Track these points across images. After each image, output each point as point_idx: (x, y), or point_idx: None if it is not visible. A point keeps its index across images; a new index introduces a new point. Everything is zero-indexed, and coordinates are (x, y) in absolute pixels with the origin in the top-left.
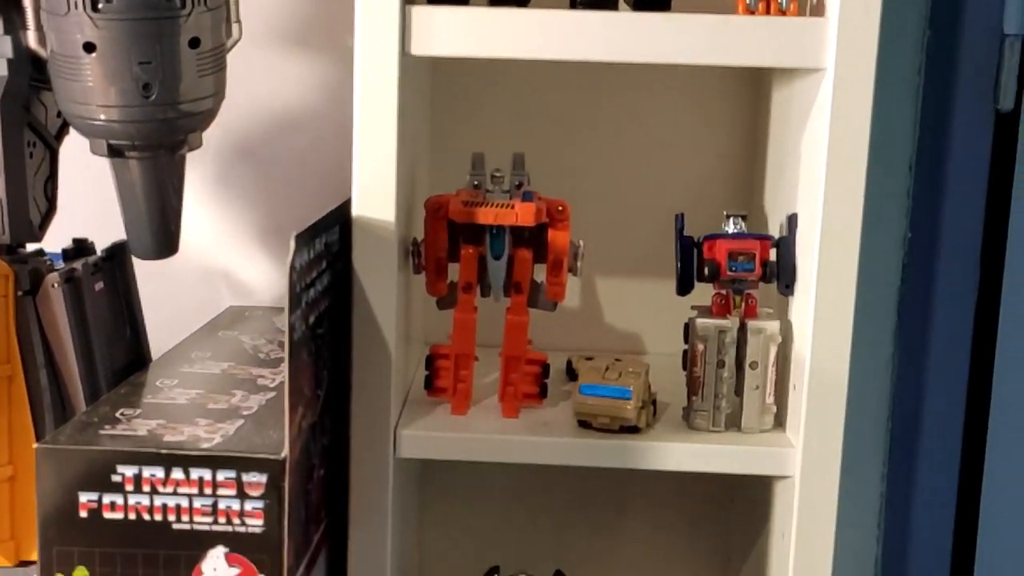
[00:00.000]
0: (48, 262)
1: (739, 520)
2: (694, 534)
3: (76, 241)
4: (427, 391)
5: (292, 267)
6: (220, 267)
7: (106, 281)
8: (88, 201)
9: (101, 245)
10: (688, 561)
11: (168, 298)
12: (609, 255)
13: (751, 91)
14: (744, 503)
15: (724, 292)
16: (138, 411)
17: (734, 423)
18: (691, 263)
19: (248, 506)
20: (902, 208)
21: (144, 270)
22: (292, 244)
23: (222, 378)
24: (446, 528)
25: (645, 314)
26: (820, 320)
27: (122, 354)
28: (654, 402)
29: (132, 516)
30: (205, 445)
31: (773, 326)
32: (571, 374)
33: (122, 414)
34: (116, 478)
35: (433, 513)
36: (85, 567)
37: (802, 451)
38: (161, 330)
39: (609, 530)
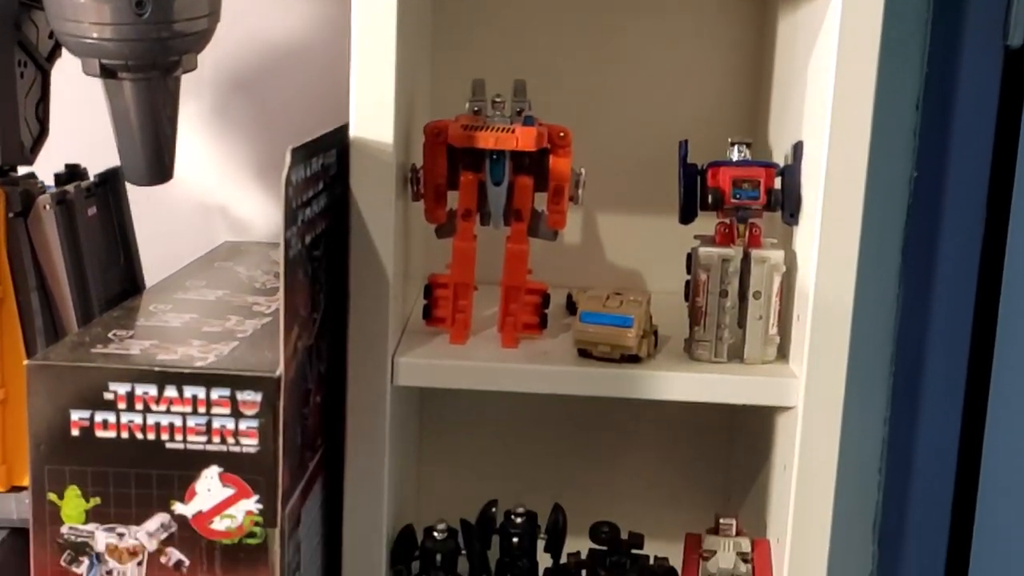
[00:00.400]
0: (40, 185)
1: (740, 453)
2: (694, 468)
3: (68, 167)
4: (425, 321)
5: (288, 181)
6: (217, 202)
7: (99, 207)
8: (81, 130)
9: (95, 173)
10: (688, 494)
11: (164, 233)
12: (611, 187)
13: (757, 16)
14: (745, 436)
15: (728, 221)
16: (131, 332)
17: (736, 354)
18: (694, 191)
19: (243, 425)
20: (908, 147)
21: (139, 206)
22: (288, 157)
23: (217, 304)
24: (444, 462)
25: (647, 250)
26: (825, 249)
27: (116, 282)
28: (655, 333)
29: (125, 435)
30: (199, 363)
31: (777, 255)
32: (571, 309)
33: (115, 335)
34: (108, 396)
35: (431, 446)
36: (77, 486)
37: (805, 381)
38: (156, 265)
39: (608, 464)
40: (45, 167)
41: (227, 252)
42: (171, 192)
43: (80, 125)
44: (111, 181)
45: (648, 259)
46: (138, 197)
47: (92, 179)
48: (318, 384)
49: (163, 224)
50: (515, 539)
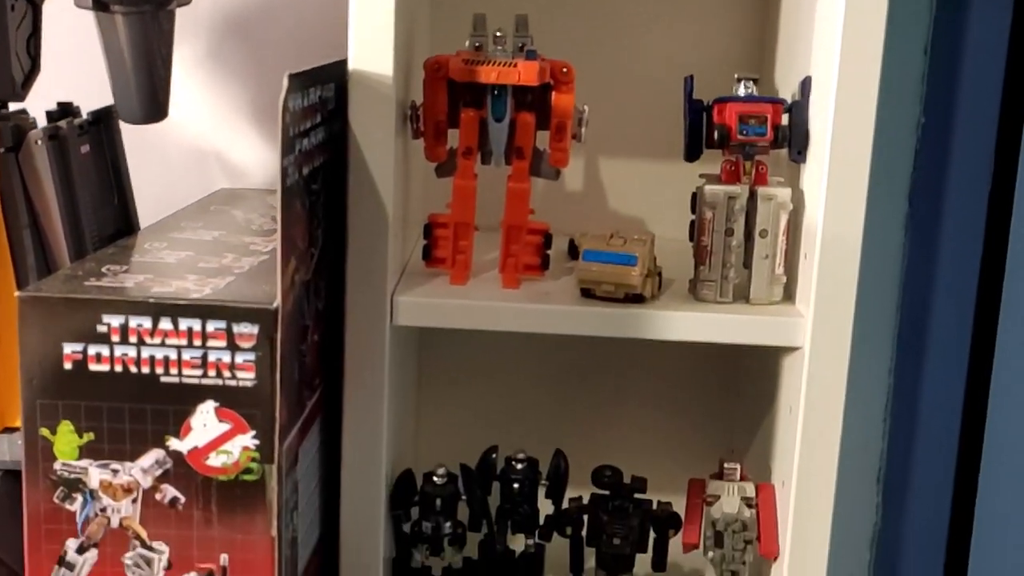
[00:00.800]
0: (31, 120)
1: (745, 398)
2: (699, 413)
3: (61, 104)
4: (425, 262)
5: (285, 106)
6: (212, 148)
7: (92, 145)
8: (75, 71)
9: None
10: (692, 439)
11: (159, 180)
12: (615, 129)
13: None
14: (751, 380)
15: (734, 159)
16: (125, 267)
17: (742, 295)
18: (700, 128)
19: (239, 359)
20: (916, 93)
21: (134, 153)
22: (285, 82)
23: (213, 244)
24: (443, 408)
25: (651, 197)
26: (834, 185)
27: (110, 221)
28: (659, 275)
29: (119, 368)
30: (194, 295)
31: (784, 193)
32: (573, 254)
33: (108, 269)
34: (102, 328)
35: (430, 392)
36: (70, 421)
37: (812, 320)
38: (151, 212)
39: (611, 410)
40: (37, 106)
41: (224, 198)
42: (166, 138)
43: (73, 65)
44: (104, 120)
45: (652, 206)
46: (132, 143)
47: (85, 117)
48: (316, 322)
49: (158, 170)
50: (516, 485)
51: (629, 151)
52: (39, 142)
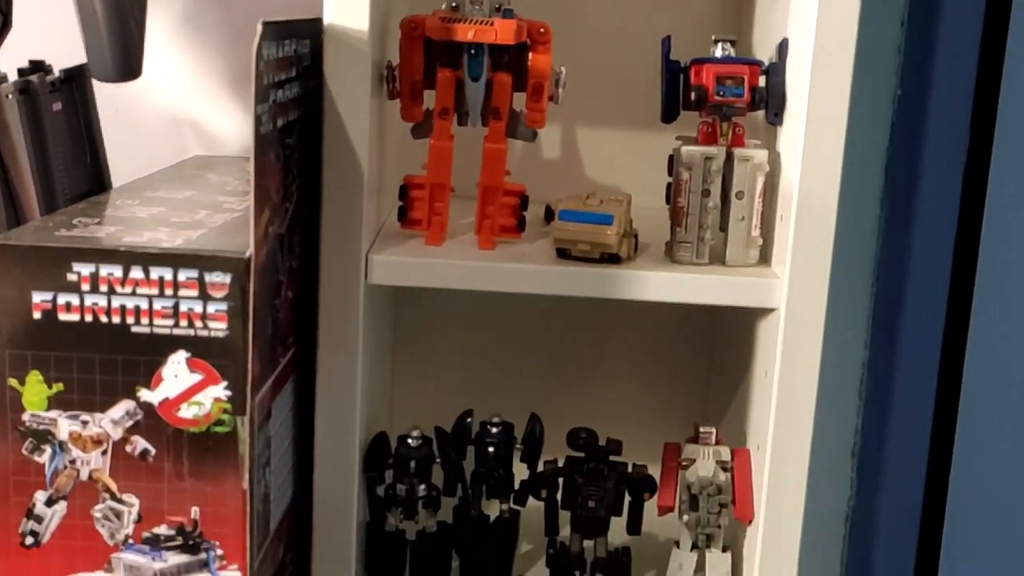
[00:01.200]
0: (2, 75)
1: (721, 362)
2: (674, 378)
3: (33, 62)
4: (400, 223)
5: (259, 54)
6: (187, 115)
7: (65, 103)
8: (47, 31)
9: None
10: (669, 405)
11: (133, 147)
12: (591, 93)
13: None
14: (726, 344)
15: (711, 120)
16: (97, 220)
17: (718, 258)
18: (677, 89)
19: (211, 308)
20: (892, 65)
21: (108, 121)
22: (259, 28)
23: (186, 201)
24: (419, 372)
25: (628, 164)
26: (810, 146)
27: (82, 180)
28: (636, 237)
29: (88, 318)
30: (166, 245)
31: (761, 155)
32: (550, 220)
33: (79, 221)
34: (72, 277)
35: (406, 356)
36: (39, 371)
37: (788, 281)
38: (124, 177)
39: (587, 374)
40: (10, 63)
41: (198, 163)
42: (140, 103)
43: (46, 24)
44: (77, 78)
45: (629, 173)
46: (106, 110)
47: (57, 74)
48: (290, 279)
49: (132, 137)
50: (491, 449)
51: (606, 117)
52: (10, 96)
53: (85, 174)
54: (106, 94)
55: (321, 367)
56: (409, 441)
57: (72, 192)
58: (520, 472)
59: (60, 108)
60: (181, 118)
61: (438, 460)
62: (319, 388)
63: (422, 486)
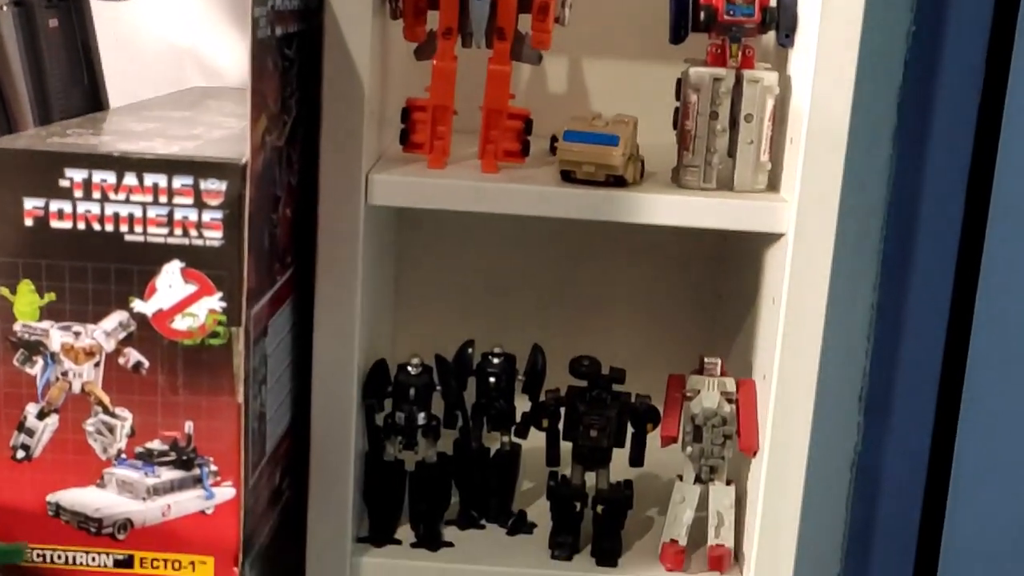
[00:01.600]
0: None
1: (728, 289)
2: (680, 308)
3: None
4: (403, 147)
5: None
6: (187, 45)
7: (61, 21)
8: None
9: None
10: (674, 334)
11: (131, 77)
12: (598, 19)
13: None
14: (734, 274)
15: (720, 42)
16: (91, 131)
17: (726, 185)
18: (686, 9)
19: (206, 217)
20: (907, 1)
21: (106, 50)
22: None
23: (183, 120)
24: (420, 302)
25: (636, 95)
26: (821, 69)
27: (78, 100)
28: (642, 162)
29: (81, 225)
30: (161, 151)
31: (771, 77)
32: (555, 151)
33: (73, 131)
34: (64, 183)
35: (407, 282)
36: (30, 280)
37: (797, 205)
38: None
39: (591, 305)
40: None
41: (197, 93)
42: (139, 33)
43: None
44: None
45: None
46: (104, 40)
47: None
48: (288, 195)
49: (130, 67)
50: (492, 380)
51: (613, 46)
52: (4, 8)
53: (82, 94)
54: (106, 18)
55: (320, 288)
56: (409, 368)
57: (68, 111)
58: (522, 405)
59: (56, 25)
60: (182, 48)
61: (438, 388)
62: (317, 310)
63: (421, 414)
